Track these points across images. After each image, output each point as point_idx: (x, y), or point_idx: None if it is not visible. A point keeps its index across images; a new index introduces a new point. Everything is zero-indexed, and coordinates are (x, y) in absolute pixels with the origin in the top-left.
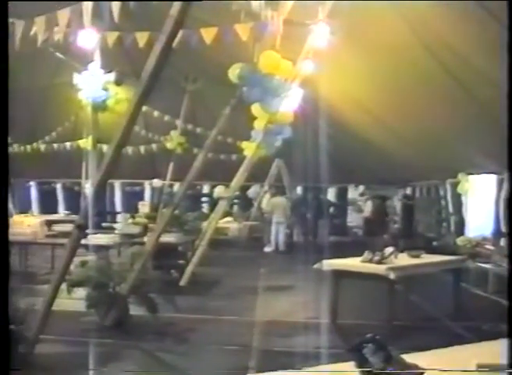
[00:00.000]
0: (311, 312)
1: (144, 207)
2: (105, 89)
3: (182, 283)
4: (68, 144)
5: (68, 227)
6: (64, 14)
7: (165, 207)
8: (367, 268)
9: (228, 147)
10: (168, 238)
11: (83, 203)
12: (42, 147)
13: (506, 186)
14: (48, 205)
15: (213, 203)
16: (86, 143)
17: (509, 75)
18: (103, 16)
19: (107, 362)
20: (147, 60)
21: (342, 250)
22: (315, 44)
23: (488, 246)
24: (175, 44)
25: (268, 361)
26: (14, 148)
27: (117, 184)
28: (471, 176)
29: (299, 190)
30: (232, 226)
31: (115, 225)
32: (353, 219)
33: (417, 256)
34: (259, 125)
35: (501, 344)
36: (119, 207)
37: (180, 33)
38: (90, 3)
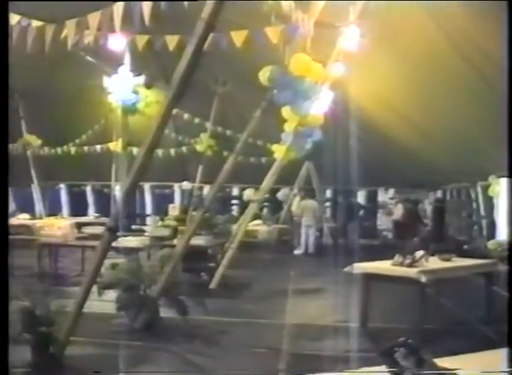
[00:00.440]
0: (341, 315)
1: (174, 210)
2: (135, 92)
3: (212, 285)
4: (98, 146)
5: (98, 230)
6: (95, 17)
7: (195, 210)
8: (398, 271)
9: (258, 149)
10: (197, 241)
11: (113, 206)
12: (72, 149)
13: None
14: (77, 207)
15: (243, 206)
16: (116, 145)
17: (509, 75)
18: (134, 19)
19: (137, 364)
20: (178, 63)
21: (371, 253)
22: (346, 46)
23: None
24: (205, 46)
25: (297, 364)
26: (45, 151)
27: (147, 187)
28: (502, 179)
29: (328, 193)
30: (261, 228)
31: (144, 227)
32: (383, 222)
33: (448, 259)
34: (289, 127)
35: None
36: (148, 209)
37: (210, 36)
38: (121, 6)
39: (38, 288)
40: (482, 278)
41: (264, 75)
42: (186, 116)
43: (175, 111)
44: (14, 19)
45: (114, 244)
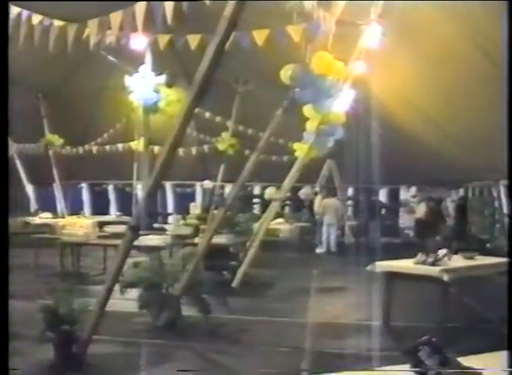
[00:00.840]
0: (364, 313)
1: (195, 208)
2: (156, 91)
3: (234, 284)
4: (120, 145)
5: (119, 228)
6: (117, 17)
7: (217, 208)
8: (420, 270)
9: (279, 148)
10: (219, 239)
11: (135, 205)
12: (94, 148)
13: None
14: (99, 206)
15: (264, 204)
16: (137, 144)
17: (509, 75)
18: (155, 19)
19: (159, 362)
20: (199, 62)
21: (393, 251)
22: (367, 44)
23: None
24: (227, 46)
25: (320, 363)
26: (67, 150)
27: (168, 185)
28: None
29: (350, 191)
30: (283, 227)
31: (166, 226)
32: (405, 221)
33: (471, 258)
34: (311, 126)
35: None
36: (170, 208)
37: (232, 35)
38: (143, 6)
39: (61, 287)
40: (505, 277)
41: (285, 73)
42: (207, 114)
43: (196, 110)
44: (36, 18)
45: (136, 242)
